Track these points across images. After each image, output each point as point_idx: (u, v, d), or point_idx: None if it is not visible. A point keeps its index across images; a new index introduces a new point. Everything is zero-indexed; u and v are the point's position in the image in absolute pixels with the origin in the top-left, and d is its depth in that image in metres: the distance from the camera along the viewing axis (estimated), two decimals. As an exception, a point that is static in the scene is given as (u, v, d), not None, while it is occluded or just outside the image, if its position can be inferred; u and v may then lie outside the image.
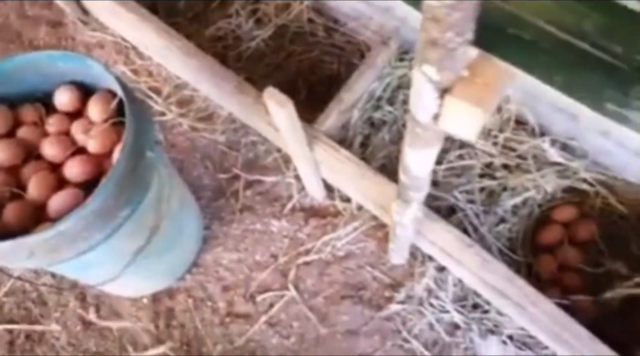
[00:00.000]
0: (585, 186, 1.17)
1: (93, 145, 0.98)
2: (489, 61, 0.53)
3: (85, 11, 1.63)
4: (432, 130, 0.59)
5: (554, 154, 1.13)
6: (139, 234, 1.03)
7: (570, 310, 1.11)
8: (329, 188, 1.34)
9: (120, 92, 0.94)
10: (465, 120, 0.53)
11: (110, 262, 1.03)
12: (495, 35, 0.54)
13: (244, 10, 1.51)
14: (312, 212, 1.36)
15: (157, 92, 1.54)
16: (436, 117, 0.56)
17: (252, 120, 1.25)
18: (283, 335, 1.24)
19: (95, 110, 1.00)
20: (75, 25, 1.67)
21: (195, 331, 1.25)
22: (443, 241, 1.04)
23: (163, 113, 1.50)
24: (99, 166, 0.98)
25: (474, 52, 0.51)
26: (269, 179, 1.40)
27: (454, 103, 0.52)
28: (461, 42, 0.46)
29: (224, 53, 1.49)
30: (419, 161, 0.68)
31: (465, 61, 0.50)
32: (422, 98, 0.55)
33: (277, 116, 0.99)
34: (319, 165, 1.20)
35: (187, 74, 1.35)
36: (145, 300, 1.30)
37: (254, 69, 1.48)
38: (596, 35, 0.52)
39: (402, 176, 0.77)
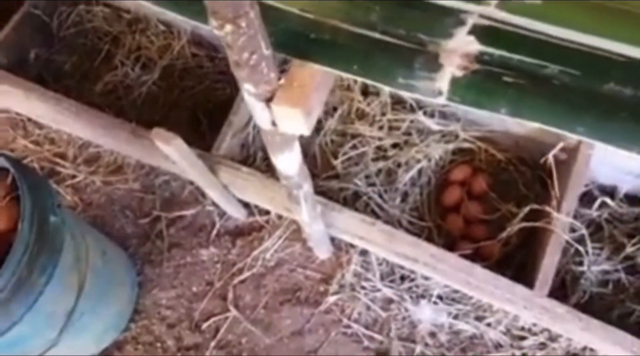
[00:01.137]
0: (468, 145, 1.28)
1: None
2: (301, 67, 0.61)
3: (-30, 96, 1.63)
4: (277, 134, 0.67)
5: (432, 123, 1.24)
6: (65, 296, 1.06)
7: (481, 257, 1.22)
8: (247, 206, 1.40)
9: (9, 167, 0.97)
10: (293, 120, 0.61)
11: (43, 329, 1.06)
12: (302, 43, 0.62)
13: (128, 59, 1.56)
14: (238, 233, 1.42)
15: (63, 157, 1.56)
16: (274, 123, 0.64)
17: (156, 160, 1.30)
18: (234, 354, 1.28)
19: (-9, 190, 1.02)
20: (-36, 111, 1.66)
21: (151, 374, 1.28)
22: (350, 226, 1.12)
23: (74, 176, 1.52)
24: (8, 242, 1.01)
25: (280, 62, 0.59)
26: (189, 212, 1.44)
27: (278, 109, 0.60)
28: (258, 59, 0.54)
29: (119, 104, 1.53)
30: (284, 163, 0.76)
31: (273, 73, 0.58)
32: (255, 110, 0.63)
33: (168, 153, 1.05)
34: (228, 188, 1.26)
35: (83, 132, 1.38)
36: (95, 359, 1.31)
37: (152, 112, 1.53)
38: (382, 24, 0.61)
39: (280, 179, 0.85)
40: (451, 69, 0.56)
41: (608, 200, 1.21)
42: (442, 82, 0.56)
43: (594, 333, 1.00)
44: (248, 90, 0.58)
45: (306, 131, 0.63)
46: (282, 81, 0.59)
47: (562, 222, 1.07)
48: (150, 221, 1.45)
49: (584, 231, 1.11)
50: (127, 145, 1.28)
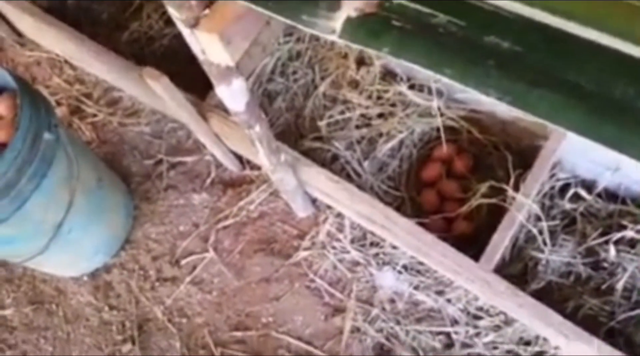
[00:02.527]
0: (452, 123, 1.30)
1: (2, 135, 1.14)
2: (226, 1, 0.68)
3: (19, 34, 1.80)
4: (211, 65, 0.74)
5: (416, 97, 1.27)
6: (54, 207, 1.19)
7: (452, 234, 1.25)
8: (241, 160, 1.48)
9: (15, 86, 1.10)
10: (215, 48, 0.68)
11: (32, 235, 1.19)
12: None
13: (156, 12, 1.68)
14: (230, 183, 1.51)
15: (89, 96, 1.70)
16: (203, 52, 0.71)
17: (157, 104, 1.41)
18: (205, 291, 1.38)
19: (2, 106, 1.16)
20: (14, 47, 1.84)
21: (129, 297, 1.40)
22: (317, 182, 1.18)
23: (94, 115, 1.67)
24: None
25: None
26: (190, 159, 1.55)
27: (200, 35, 0.67)
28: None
29: (141, 53, 1.66)
30: (226, 96, 0.83)
31: (198, 2, 0.65)
32: (187, 35, 0.70)
33: (157, 90, 1.15)
34: (219, 137, 1.35)
35: (101, 72, 1.51)
36: (85, 278, 1.45)
37: (170, 64, 1.63)
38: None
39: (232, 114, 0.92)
40: (348, 10, 0.61)
41: (583, 193, 1.20)
42: (337, 21, 0.61)
43: (529, 310, 1.01)
44: (174, 15, 0.66)
45: (229, 61, 0.70)
46: (207, 11, 0.66)
47: (518, 202, 1.08)
48: (154, 163, 1.57)
49: (539, 212, 1.12)
50: (135, 86, 1.39)
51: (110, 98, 1.68)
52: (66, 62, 1.77)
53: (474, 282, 1.06)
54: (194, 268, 1.41)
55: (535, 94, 0.54)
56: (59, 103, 1.71)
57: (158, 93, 1.15)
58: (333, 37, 0.61)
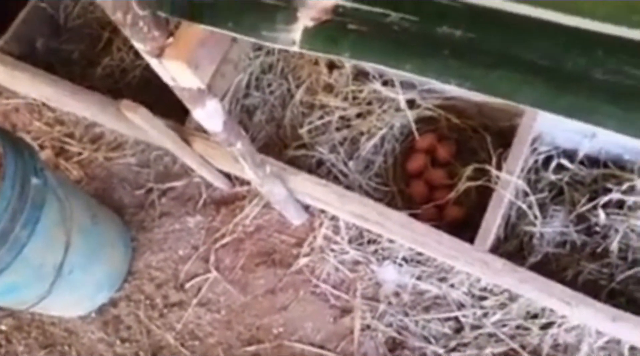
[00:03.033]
0: (430, 113, 1.33)
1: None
2: (188, 27, 0.70)
3: (-6, 84, 1.82)
4: (182, 90, 0.76)
5: (390, 93, 1.29)
6: (52, 250, 1.20)
7: (446, 221, 1.27)
8: (229, 178, 1.50)
9: (-3, 137, 1.11)
10: (184, 74, 0.70)
11: (33, 281, 1.20)
12: (188, 6, 0.70)
13: (125, 45, 1.69)
14: (222, 202, 1.53)
15: (71, 136, 1.72)
16: (173, 79, 0.73)
17: (140, 134, 1.43)
18: (214, 310, 1.39)
19: (-14, 157, 1.17)
20: (-8, 98, 1.86)
21: (140, 327, 1.41)
22: (307, 188, 1.20)
23: (80, 153, 1.68)
24: None
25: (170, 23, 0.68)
26: (179, 183, 1.56)
27: (168, 64, 0.69)
28: (134, 18, 0.63)
29: (116, 86, 1.67)
30: (202, 118, 0.85)
31: (158, 31, 0.67)
32: (155, 67, 0.72)
33: (136, 121, 1.16)
34: (204, 158, 1.37)
35: (80, 110, 1.53)
36: (93, 315, 1.46)
37: (145, 94, 1.65)
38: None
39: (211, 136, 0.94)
40: (304, 21, 0.63)
41: (566, 162, 1.23)
42: (296, 33, 0.63)
43: (529, 284, 1.04)
44: (138, 48, 0.68)
45: (200, 84, 0.71)
46: (170, 40, 0.68)
47: (503, 180, 1.10)
48: (145, 192, 1.58)
49: (526, 187, 1.14)
50: (115, 120, 1.41)
51: (93, 135, 1.70)
52: (44, 105, 1.78)
53: (473, 264, 1.08)
54: (199, 289, 1.42)
55: (493, 76, 0.56)
56: (42, 147, 1.72)
57: (138, 124, 1.17)
58: (294, 48, 0.63)
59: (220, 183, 1.51)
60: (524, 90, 0.57)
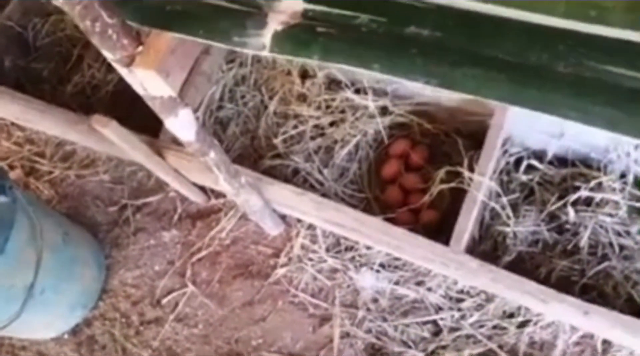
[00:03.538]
0: (402, 119, 1.35)
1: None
2: (158, 35, 0.70)
3: (-41, 105, 1.77)
4: (153, 99, 0.76)
5: (362, 100, 1.31)
6: (22, 270, 1.17)
7: (422, 225, 1.28)
8: (204, 191, 1.49)
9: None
10: (155, 83, 0.70)
11: (3, 301, 1.17)
12: (158, 15, 0.71)
13: (96, 62, 1.68)
14: (198, 216, 1.51)
15: (42, 155, 1.68)
16: (144, 88, 0.73)
17: (112, 150, 1.41)
18: (191, 325, 1.37)
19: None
20: (-44, 119, 1.81)
21: (115, 346, 1.38)
22: (283, 197, 1.20)
23: (50, 172, 1.65)
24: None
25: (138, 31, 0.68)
26: (154, 199, 1.55)
27: (138, 72, 0.69)
28: (103, 26, 0.63)
29: (88, 102, 1.65)
30: (175, 127, 0.85)
31: (127, 40, 0.67)
32: (124, 76, 0.72)
33: (108, 135, 1.15)
34: (179, 172, 1.36)
35: (50, 129, 1.50)
36: (66, 336, 1.42)
37: (119, 109, 1.64)
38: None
39: (185, 146, 0.93)
40: (274, 25, 0.64)
41: (535, 163, 1.26)
42: (266, 37, 0.64)
43: (504, 283, 1.05)
44: (108, 57, 0.67)
45: (170, 92, 0.71)
46: (140, 48, 0.68)
47: (476, 181, 1.12)
48: (118, 209, 1.56)
49: (499, 188, 1.17)
50: (86, 137, 1.39)
51: (64, 153, 1.67)
52: (13, 124, 1.75)
53: (448, 266, 1.10)
54: (176, 305, 1.40)
55: (458, 73, 0.58)
56: (12, 167, 1.69)
57: (110, 139, 1.16)
58: (264, 53, 0.64)
59: (196, 197, 1.50)
60: (489, 86, 0.58)
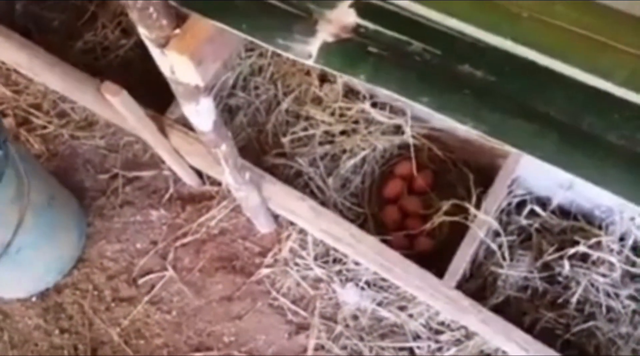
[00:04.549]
0: (413, 140, 1.32)
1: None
2: (198, 21, 0.66)
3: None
4: (178, 84, 0.72)
5: (379, 115, 1.29)
6: (2, 227, 1.13)
7: (416, 251, 1.26)
8: (200, 176, 1.45)
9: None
10: (186, 69, 0.66)
11: (-23, 256, 1.12)
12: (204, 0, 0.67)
13: (111, 22, 1.63)
14: (189, 199, 1.47)
15: (38, 108, 1.63)
16: (172, 71, 0.69)
17: (114, 117, 1.36)
18: (164, 310, 1.34)
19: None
20: (-44, 55, 1.74)
21: (83, 319, 1.34)
22: (281, 199, 1.17)
23: (44, 127, 1.59)
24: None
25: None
26: (147, 174, 1.50)
27: (171, 55, 0.65)
28: (145, 3, 0.59)
29: (96, 64, 1.60)
30: (193, 115, 0.81)
31: (166, 20, 0.63)
32: (155, 56, 0.68)
33: (116, 104, 1.11)
34: (179, 152, 1.32)
35: (55, 84, 1.45)
36: (34, 299, 1.38)
37: (126, 76, 1.59)
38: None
39: (198, 134, 0.90)
40: (324, 35, 0.61)
41: (538, 209, 1.25)
42: (314, 46, 0.61)
43: (490, 326, 1.04)
44: (144, 34, 0.64)
45: (199, 81, 0.68)
46: (177, 31, 0.65)
47: (479, 219, 1.11)
48: (109, 178, 1.51)
49: (499, 228, 1.15)
50: (90, 99, 1.34)
51: (61, 110, 1.62)
52: (14, 70, 1.69)
53: (438, 299, 1.08)
54: (152, 287, 1.36)
55: (510, 124, 0.55)
56: (4, 114, 1.62)
57: (116, 108, 1.12)
58: (309, 62, 0.61)
59: (190, 180, 1.46)
60: (538, 143, 0.56)
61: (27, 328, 1.35)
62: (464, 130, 1.28)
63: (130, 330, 1.32)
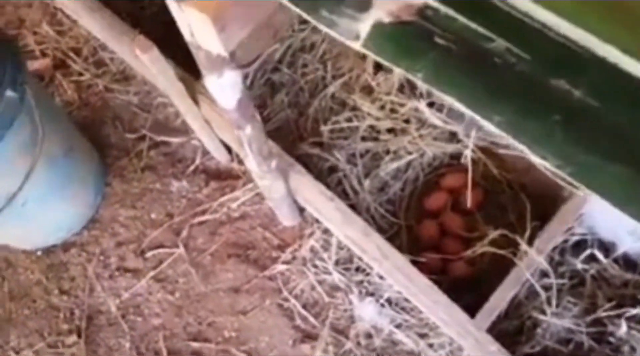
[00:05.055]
0: (468, 152, 1.17)
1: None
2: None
3: (14, -27, 1.64)
4: (199, 49, 0.60)
5: (434, 118, 1.13)
6: (9, 176, 1.05)
7: (448, 273, 1.12)
8: (230, 151, 1.34)
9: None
10: (206, 32, 0.54)
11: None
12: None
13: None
14: (214, 175, 1.37)
15: (78, 52, 1.55)
16: (191, 33, 0.57)
17: (148, 73, 1.27)
18: (168, 290, 1.25)
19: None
20: (6, -13, 1.69)
21: (84, 283, 1.27)
22: (310, 195, 1.05)
23: (80, 74, 1.52)
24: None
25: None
26: (175, 140, 1.41)
27: (190, 13, 0.53)
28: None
29: (140, 14, 1.51)
30: (215, 89, 0.69)
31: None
32: (174, 10, 0.56)
33: (145, 61, 1.00)
34: (209, 123, 1.21)
35: (97, 32, 1.36)
36: (39, 253, 1.31)
37: (169, 32, 1.49)
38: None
39: (221, 111, 0.78)
40: (379, 13, 0.47)
41: (598, 254, 1.08)
42: (364, 24, 0.47)
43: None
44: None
45: (221, 50, 0.56)
46: (201, -16, 0.52)
47: (529, 258, 0.95)
48: (135, 138, 1.42)
49: (549, 269, 0.99)
50: (127, 51, 1.24)
51: (100, 59, 1.53)
52: (61, 10, 1.62)
53: (465, 338, 0.94)
54: (160, 262, 1.27)
55: (608, 172, 0.40)
56: (44, 54, 1.56)
57: (147, 65, 1.01)
58: (355, 45, 0.48)
59: (219, 155, 1.35)
60: (634, 197, 0.41)
61: (28, 282, 1.29)
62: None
63: (130, 304, 1.24)
